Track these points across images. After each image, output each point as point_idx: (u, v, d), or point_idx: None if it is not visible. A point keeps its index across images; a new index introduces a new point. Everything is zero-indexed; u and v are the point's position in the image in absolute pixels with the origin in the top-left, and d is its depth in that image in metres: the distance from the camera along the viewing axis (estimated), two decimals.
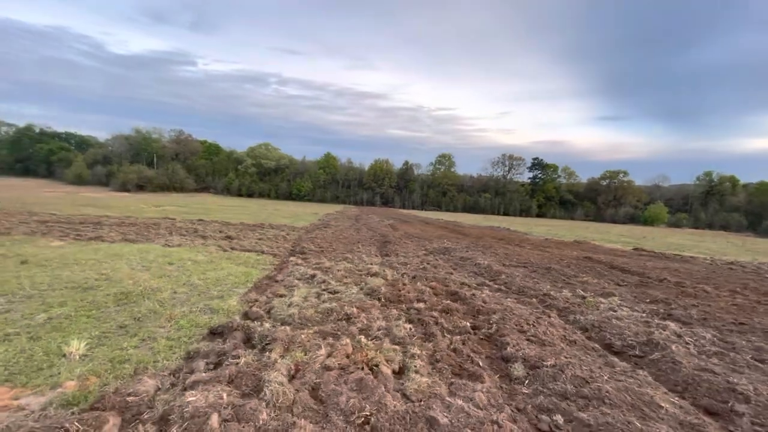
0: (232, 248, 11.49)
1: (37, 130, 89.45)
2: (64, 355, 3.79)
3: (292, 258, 10.53)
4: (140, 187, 74.13)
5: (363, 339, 4.36)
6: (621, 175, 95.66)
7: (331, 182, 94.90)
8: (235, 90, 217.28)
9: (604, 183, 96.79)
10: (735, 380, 4.01)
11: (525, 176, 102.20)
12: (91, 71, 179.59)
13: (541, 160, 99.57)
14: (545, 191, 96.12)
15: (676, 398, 3.71)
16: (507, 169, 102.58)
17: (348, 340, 4.28)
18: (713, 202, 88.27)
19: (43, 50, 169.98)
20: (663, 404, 3.46)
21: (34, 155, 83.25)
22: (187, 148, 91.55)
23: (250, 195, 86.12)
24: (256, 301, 6.05)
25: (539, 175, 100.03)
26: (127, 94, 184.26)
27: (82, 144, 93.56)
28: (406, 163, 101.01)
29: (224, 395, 3.03)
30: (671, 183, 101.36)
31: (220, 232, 15.52)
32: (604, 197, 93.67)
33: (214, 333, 4.71)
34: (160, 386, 3.30)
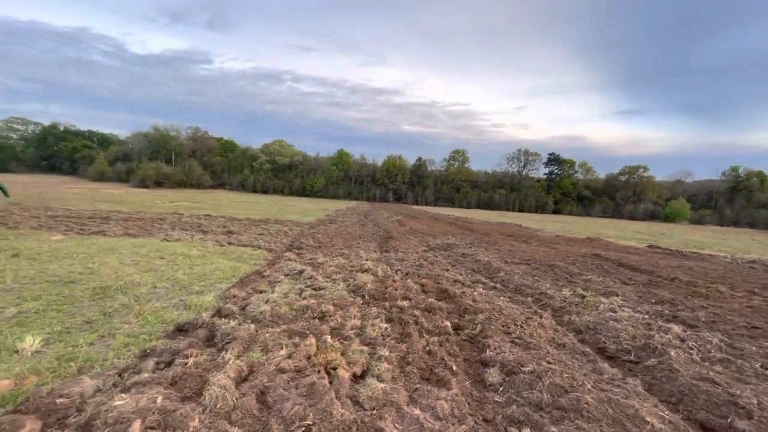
0: (230, 243, 11.40)
1: (62, 129, 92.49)
2: (17, 352, 3.66)
3: (287, 253, 10.36)
4: (159, 184, 75.72)
5: (329, 339, 4.10)
6: (641, 170, 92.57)
7: (344, 178, 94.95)
8: (251, 87, 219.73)
9: (623, 179, 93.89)
10: (738, 392, 3.59)
11: (541, 172, 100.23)
12: (113, 71, 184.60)
13: (558, 155, 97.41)
14: (562, 187, 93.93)
15: (668, 412, 3.31)
16: (522, 164, 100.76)
17: (313, 340, 4.03)
18: (740, 199, 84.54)
19: (66, 51, 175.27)
20: (649, 419, 3.08)
21: (59, 153, 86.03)
22: (203, 145, 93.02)
23: (264, 191, 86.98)
24: (234, 297, 5.86)
25: (555, 171, 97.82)
26: (147, 93, 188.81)
27: (104, 141, 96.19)
28: (419, 159, 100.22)
29: (159, 399, 2.81)
30: (695, 179, 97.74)
31: (224, 227, 15.49)
32: (623, 193, 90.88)
33: (181, 330, 4.53)
34: (101, 387, 3.11)
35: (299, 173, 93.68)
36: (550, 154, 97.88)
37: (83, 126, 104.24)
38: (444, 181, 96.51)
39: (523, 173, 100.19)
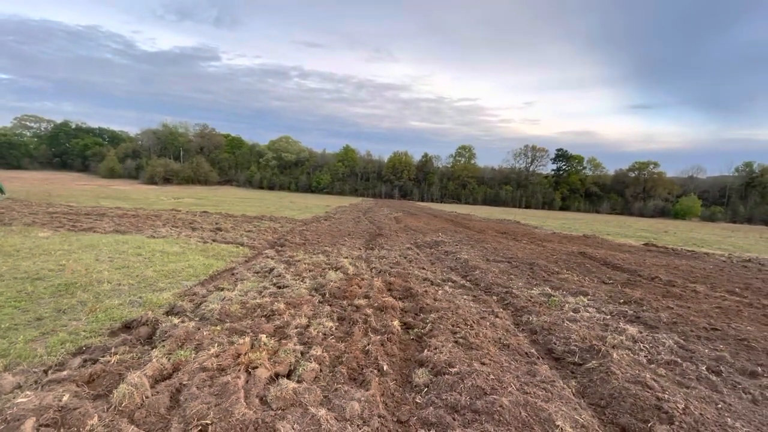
0: (214, 240, 11.51)
1: (73, 126, 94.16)
2: None
3: (267, 250, 10.43)
4: (167, 180, 76.79)
5: (264, 338, 4.12)
6: (651, 166, 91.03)
7: (350, 175, 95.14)
8: (258, 84, 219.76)
9: (633, 175, 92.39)
10: (667, 395, 3.52)
11: (548, 168, 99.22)
12: (123, 69, 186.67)
13: (566, 151, 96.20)
14: (569, 183, 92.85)
15: (585, 416, 3.27)
16: (530, 160, 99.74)
17: (247, 339, 4.06)
18: (754, 195, 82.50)
19: (77, 49, 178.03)
20: (560, 422, 3.05)
21: (70, 150, 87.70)
22: (211, 141, 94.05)
23: (271, 187, 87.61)
24: (194, 294, 5.93)
25: (563, 167, 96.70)
26: (156, 90, 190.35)
27: (115, 139, 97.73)
28: (425, 155, 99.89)
29: (66, 396, 2.87)
30: (708, 175, 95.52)
31: (215, 224, 15.65)
32: (632, 189, 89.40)
33: (127, 327, 4.60)
34: (22, 384, 3.18)
35: (305, 169, 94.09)
36: (558, 150, 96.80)
37: (94, 123, 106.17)
38: (450, 177, 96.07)
39: (531, 169, 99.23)
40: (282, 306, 5.30)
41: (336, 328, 4.84)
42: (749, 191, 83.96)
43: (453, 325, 5.12)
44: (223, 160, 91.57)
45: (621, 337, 5.05)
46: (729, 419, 3.32)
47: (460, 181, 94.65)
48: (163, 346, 3.84)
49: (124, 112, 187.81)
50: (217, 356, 3.69)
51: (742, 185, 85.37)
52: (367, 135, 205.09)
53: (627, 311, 6.23)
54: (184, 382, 3.25)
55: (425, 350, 4.34)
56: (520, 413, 3.14)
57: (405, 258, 10.36)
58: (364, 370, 3.80)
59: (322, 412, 2.95)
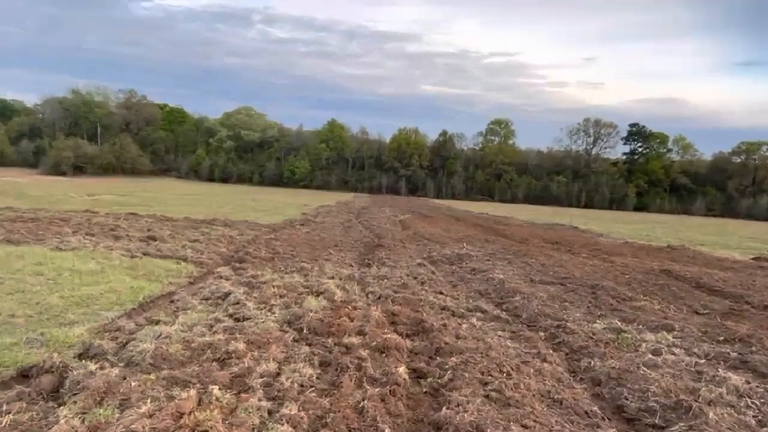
0: (146, 254, 11.66)
1: None
2: None
3: (221, 268, 10.58)
4: (79, 169, 77.33)
5: (217, 391, 4.17)
6: (765, 148, 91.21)
7: (338, 161, 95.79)
8: (206, 33, 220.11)
9: (738, 160, 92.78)
10: None
11: (618, 151, 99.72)
12: (15, 12, 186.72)
13: (643, 127, 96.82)
14: (648, 173, 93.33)
15: None
16: (592, 140, 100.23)
17: (193, 392, 4.11)
18: None
19: None
20: None
21: None
22: (140, 115, 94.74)
23: (225, 179, 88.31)
24: (118, 330, 6.01)
25: (639, 150, 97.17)
26: (63, 42, 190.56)
27: (5, 111, 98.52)
28: (444, 133, 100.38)
29: None
30: None
31: (147, 231, 15.85)
32: (738, 181, 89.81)
33: (24, 376, 4.67)
34: None
35: (274, 153, 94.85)
36: (632, 126, 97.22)
37: None
38: (479, 164, 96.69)
39: (593, 153, 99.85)
40: (242, 346, 5.37)
41: (318, 377, 4.91)
42: None
43: (483, 373, 5.19)
44: (159, 141, 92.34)
45: (720, 390, 5.09)
46: None
47: (492, 170, 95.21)
48: (75, 402, 3.89)
49: (17, 72, 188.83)
50: (150, 416, 3.73)
51: None
52: (360, 105, 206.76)
53: (729, 353, 6.32)
54: None
55: (444, 408, 4.39)
56: None
57: (415, 278, 10.50)
58: None
59: None
